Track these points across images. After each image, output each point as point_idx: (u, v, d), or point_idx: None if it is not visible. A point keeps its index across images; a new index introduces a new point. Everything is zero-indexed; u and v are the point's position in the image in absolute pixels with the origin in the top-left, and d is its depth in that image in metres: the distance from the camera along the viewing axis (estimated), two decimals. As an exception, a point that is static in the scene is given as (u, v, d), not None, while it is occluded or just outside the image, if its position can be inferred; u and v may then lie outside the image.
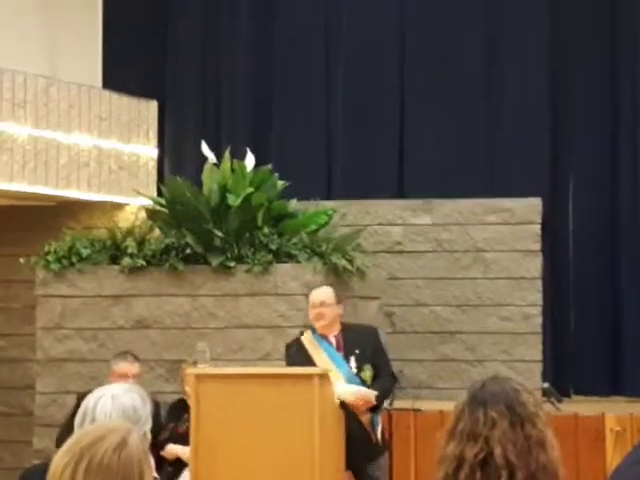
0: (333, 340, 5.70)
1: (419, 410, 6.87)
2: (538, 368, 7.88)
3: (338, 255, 7.27)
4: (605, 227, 8.55)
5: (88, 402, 3.17)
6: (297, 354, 5.66)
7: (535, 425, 2.38)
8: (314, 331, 5.72)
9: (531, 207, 8.14)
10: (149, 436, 3.22)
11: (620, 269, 8.46)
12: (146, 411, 3.22)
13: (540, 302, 8.04)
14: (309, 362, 5.57)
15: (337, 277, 7.22)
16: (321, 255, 7.20)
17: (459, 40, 8.79)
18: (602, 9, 8.72)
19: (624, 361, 8.26)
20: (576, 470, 6.27)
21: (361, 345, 5.68)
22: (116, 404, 3.13)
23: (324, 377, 4.98)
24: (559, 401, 7.32)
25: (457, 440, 2.40)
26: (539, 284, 8.06)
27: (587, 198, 8.57)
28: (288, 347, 5.82)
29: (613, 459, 6.39)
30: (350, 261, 7.34)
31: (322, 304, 5.71)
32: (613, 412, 7.02)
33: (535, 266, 8.07)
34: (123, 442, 2.43)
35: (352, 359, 5.59)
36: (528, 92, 8.65)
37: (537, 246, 8.09)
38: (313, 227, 7.48)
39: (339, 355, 5.59)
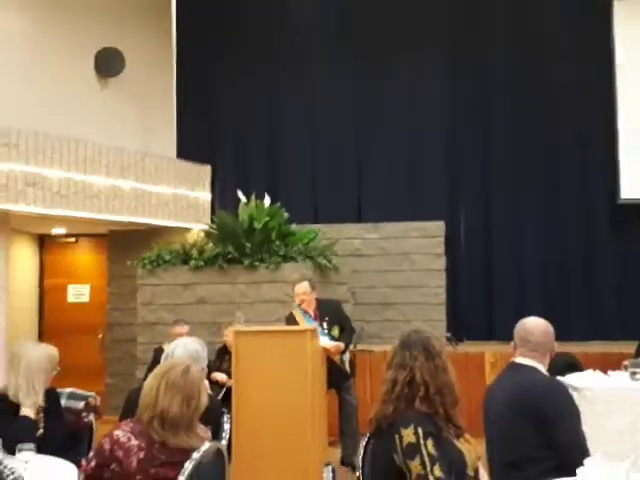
0: (312, 313, 5.73)
1: (372, 351, 7.00)
2: (444, 324, 7.89)
3: (322, 257, 7.26)
4: (482, 239, 8.54)
5: (170, 348, 3.31)
6: (292, 322, 5.67)
7: (440, 358, 2.48)
8: (299, 308, 5.73)
9: (438, 227, 8.14)
10: (206, 369, 3.38)
11: (491, 265, 8.47)
12: (204, 354, 3.36)
13: (444, 285, 8.05)
14: (297, 323, 5.63)
15: (321, 271, 7.23)
16: (311, 258, 7.17)
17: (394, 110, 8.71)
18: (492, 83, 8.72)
19: (496, 320, 8.27)
20: (467, 387, 6.01)
21: (329, 313, 5.75)
22: (187, 349, 3.28)
23: (314, 332, 4.91)
24: (456, 344, 7.48)
25: (393, 369, 2.53)
26: (444, 274, 8.07)
27: (472, 221, 8.55)
28: (286, 317, 5.82)
29: (489, 379, 6.37)
30: (329, 261, 7.33)
31: (303, 294, 5.74)
32: (489, 350, 7.06)
33: (441, 263, 8.09)
34: (187, 369, 2.59)
35: (324, 324, 5.64)
36: (433, 157, 8.61)
37: (442, 250, 8.09)
38: (306, 240, 7.43)
39: (315, 323, 5.61)
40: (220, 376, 6.19)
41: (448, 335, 7.36)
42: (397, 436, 2.36)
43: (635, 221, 8.15)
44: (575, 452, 2.56)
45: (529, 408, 2.72)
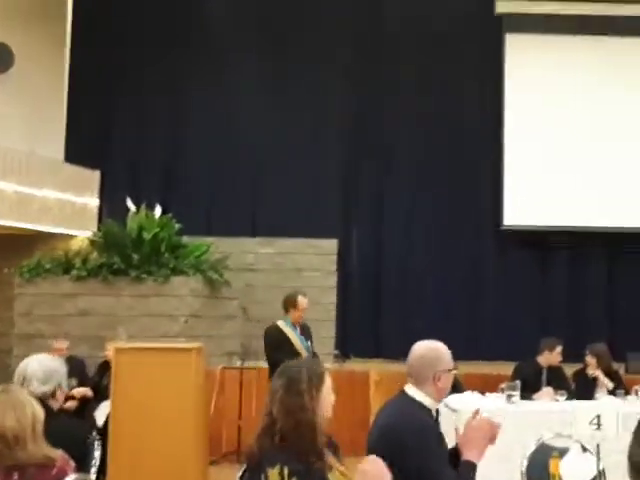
0: (298, 328, 5.63)
1: (261, 368, 6.74)
2: (332, 341, 7.89)
3: (213, 271, 7.14)
4: (373, 257, 8.69)
5: (23, 363, 3.07)
6: (279, 334, 5.52)
7: (301, 396, 2.36)
8: (287, 321, 5.58)
9: (331, 244, 8.20)
10: (64, 388, 3.14)
11: (381, 284, 8.62)
12: (62, 370, 3.09)
13: (335, 301, 8.09)
14: (288, 340, 5.48)
15: (212, 286, 7.09)
16: (202, 271, 7.04)
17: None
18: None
19: (382, 338, 8.41)
20: (352, 404, 6.17)
21: (307, 333, 5.68)
22: (41, 365, 3.00)
23: (199, 351, 4.76)
24: (344, 361, 7.52)
25: (268, 396, 2.43)
26: (335, 291, 8.12)
27: (364, 239, 8.68)
28: (269, 329, 5.58)
29: (374, 398, 6.37)
30: (221, 275, 7.22)
31: (305, 308, 5.64)
32: (375, 368, 7.03)
33: (333, 280, 8.13)
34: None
35: (307, 340, 5.60)
36: (329, 174, 8.68)
37: (334, 268, 8.15)
38: (197, 253, 7.29)
39: (302, 337, 5.57)
40: (77, 392, 5.73)
41: (336, 352, 7.39)
42: (263, 475, 2.30)
43: (516, 246, 8.53)
44: None
45: (387, 447, 2.57)
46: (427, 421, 2.68)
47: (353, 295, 8.51)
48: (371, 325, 8.55)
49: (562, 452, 2.61)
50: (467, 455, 2.68)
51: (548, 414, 5.18)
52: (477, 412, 2.81)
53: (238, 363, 6.49)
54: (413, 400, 2.77)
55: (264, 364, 6.87)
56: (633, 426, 1.59)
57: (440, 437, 2.71)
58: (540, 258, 8.70)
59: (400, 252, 8.66)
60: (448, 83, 8.67)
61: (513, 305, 8.47)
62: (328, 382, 2.53)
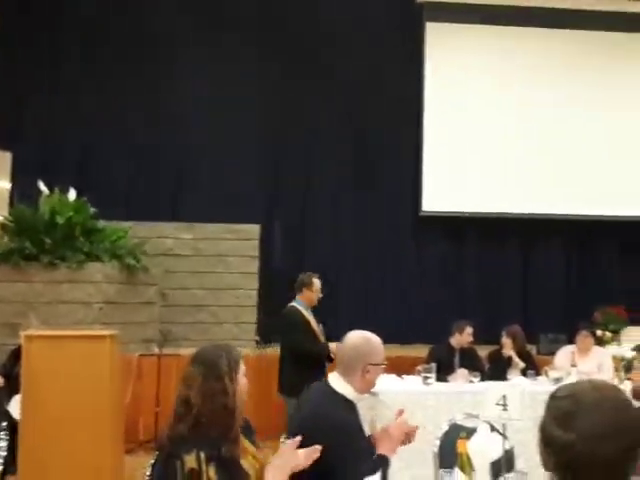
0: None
1: (179, 355, 6.64)
2: (254, 327, 7.88)
3: (130, 257, 6.97)
4: (296, 242, 8.68)
5: None
6: (301, 317, 5.35)
7: (222, 380, 2.37)
8: (300, 303, 5.45)
9: (253, 230, 8.11)
10: None
11: (303, 269, 8.46)
12: None
13: (257, 287, 8.04)
14: (309, 323, 5.36)
15: (129, 271, 6.91)
16: (118, 257, 6.86)
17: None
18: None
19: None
20: (273, 389, 5.92)
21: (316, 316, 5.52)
22: None
23: (113, 338, 4.59)
24: (265, 347, 7.49)
25: (181, 383, 2.43)
26: (256, 277, 8.06)
27: (286, 224, 8.64)
28: (291, 312, 5.40)
29: None
30: (138, 261, 7.04)
31: (319, 290, 5.49)
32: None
33: (255, 265, 8.07)
34: None
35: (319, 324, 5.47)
36: (250, 159, 8.57)
37: (256, 253, 8.08)
38: (114, 238, 7.09)
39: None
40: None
41: (257, 338, 7.37)
42: (179, 462, 2.26)
43: (434, 231, 8.71)
44: None
45: (307, 439, 2.50)
46: (347, 418, 2.67)
47: (275, 281, 8.46)
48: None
49: (470, 432, 2.67)
50: (383, 450, 2.72)
51: (462, 395, 5.34)
52: (401, 412, 2.85)
53: (156, 350, 6.37)
54: (334, 391, 2.76)
55: (184, 351, 6.82)
56: (538, 405, 1.63)
57: (360, 430, 2.72)
58: (458, 243, 8.91)
59: (322, 237, 8.69)
60: (368, 70, 8.72)
61: (431, 289, 8.65)
62: (243, 366, 2.53)
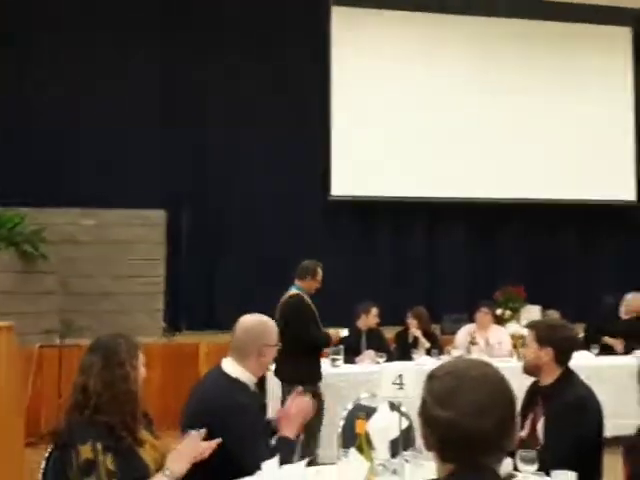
0: None
1: (82, 346, 6.57)
2: (161, 315, 7.75)
3: (28, 245, 6.71)
4: (205, 228, 8.50)
5: None
6: (308, 306, 5.29)
7: (122, 367, 2.36)
8: (302, 290, 5.36)
9: (159, 215, 7.95)
10: None
11: (211, 256, 8.52)
12: None
13: (163, 274, 7.88)
14: (314, 312, 5.34)
15: (27, 259, 6.64)
16: (16, 244, 6.60)
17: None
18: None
19: (214, 310, 8.34)
20: (181, 377, 6.17)
21: None
22: None
23: (9, 329, 4.30)
24: (173, 334, 7.42)
25: (79, 371, 2.40)
26: (163, 263, 7.90)
27: (194, 210, 8.35)
28: (298, 301, 5.28)
29: (203, 370, 6.34)
30: (36, 248, 6.78)
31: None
32: (205, 341, 7.08)
33: (162, 252, 7.91)
34: None
35: None
36: (152, 144, 8.35)
37: (163, 239, 7.93)
38: (9, 225, 6.77)
39: None
40: None
41: (164, 326, 7.26)
42: (73, 452, 2.22)
43: (343, 215, 8.80)
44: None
45: (204, 426, 2.53)
46: (242, 402, 2.66)
47: (183, 267, 8.34)
48: (202, 297, 8.44)
49: (371, 412, 2.73)
50: (284, 431, 2.76)
51: (368, 376, 5.45)
52: (300, 391, 2.90)
53: (57, 341, 6.17)
54: (229, 377, 2.75)
55: (87, 341, 6.60)
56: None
57: (256, 413, 2.72)
58: (366, 227, 9.03)
59: (231, 222, 8.58)
60: (273, 54, 8.67)
61: (341, 272, 8.72)
62: (142, 355, 2.51)
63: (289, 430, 2.75)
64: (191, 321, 8.15)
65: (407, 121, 8.81)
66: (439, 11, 9.06)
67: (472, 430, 1.42)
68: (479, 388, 1.44)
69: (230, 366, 2.79)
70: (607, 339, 6.59)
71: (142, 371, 2.49)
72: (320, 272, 5.48)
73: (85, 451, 2.22)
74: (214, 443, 2.45)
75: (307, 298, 5.37)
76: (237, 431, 2.51)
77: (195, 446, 2.41)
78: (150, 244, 7.87)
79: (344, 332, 5.83)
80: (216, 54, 8.60)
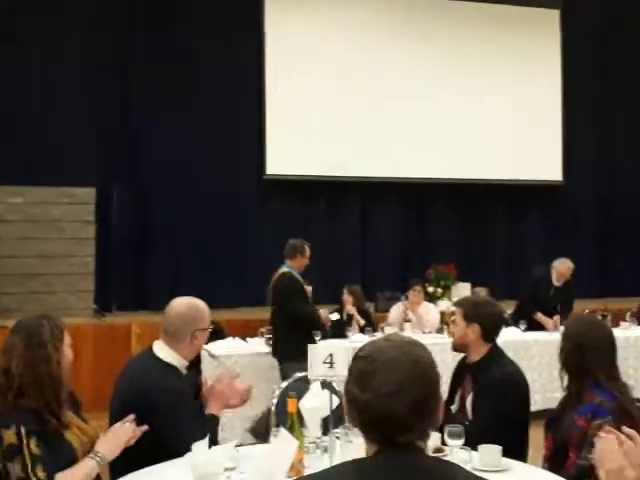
0: None
1: (8, 327, 6.45)
2: (92, 295, 7.51)
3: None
4: (136, 206, 8.32)
5: None
6: (297, 283, 5.48)
7: (45, 348, 2.30)
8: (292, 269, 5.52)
9: (89, 193, 7.65)
10: None
11: (143, 235, 8.33)
12: None
13: (93, 254, 7.63)
14: (304, 290, 5.53)
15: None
16: (-64, 223, 6.38)
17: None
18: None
19: (146, 290, 8.19)
20: (112, 359, 5.73)
21: None
22: None
23: None
24: (104, 315, 7.28)
25: (1, 354, 2.35)
26: (93, 243, 7.65)
27: (125, 188, 8.20)
28: (286, 278, 5.46)
29: (135, 351, 6.12)
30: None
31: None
32: (137, 321, 6.95)
33: (91, 231, 7.65)
34: None
35: None
36: (80, 121, 8.12)
37: (92, 218, 7.66)
38: None
39: None
40: None
41: (95, 307, 7.11)
42: (-3, 436, 2.17)
43: (278, 195, 8.77)
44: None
45: (133, 411, 2.51)
46: (172, 385, 2.64)
47: (114, 247, 8.16)
48: (133, 278, 8.28)
49: (303, 391, 2.74)
50: (211, 408, 2.76)
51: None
52: (236, 375, 2.93)
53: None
54: (159, 360, 2.73)
55: (13, 323, 6.44)
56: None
57: (186, 396, 2.69)
58: (301, 206, 9.02)
59: (163, 201, 8.40)
60: (208, 31, 8.49)
61: (276, 252, 8.70)
62: (68, 337, 2.46)
63: (214, 407, 2.77)
64: (122, 301, 8.02)
65: (343, 101, 8.80)
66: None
67: (386, 412, 1.44)
68: (395, 370, 1.45)
69: (161, 349, 2.76)
70: (540, 316, 6.77)
71: (68, 353, 2.44)
72: (308, 249, 5.64)
73: (9, 436, 2.18)
74: (145, 428, 2.44)
75: (298, 276, 5.50)
76: (167, 415, 2.50)
77: (126, 430, 2.38)
78: (80, 223, 7.63)
79: (334, 316, 5.96)
80: (149, 40, 8.39)
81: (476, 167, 9.25)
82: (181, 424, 2.52)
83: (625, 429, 1.85)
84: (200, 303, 2.85)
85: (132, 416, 2.45)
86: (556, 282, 6.90)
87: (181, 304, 2.81)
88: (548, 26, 9.68)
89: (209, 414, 2.77)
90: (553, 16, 9.72)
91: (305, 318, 5.39)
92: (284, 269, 5.49)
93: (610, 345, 2.66)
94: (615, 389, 2.54)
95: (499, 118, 9.34)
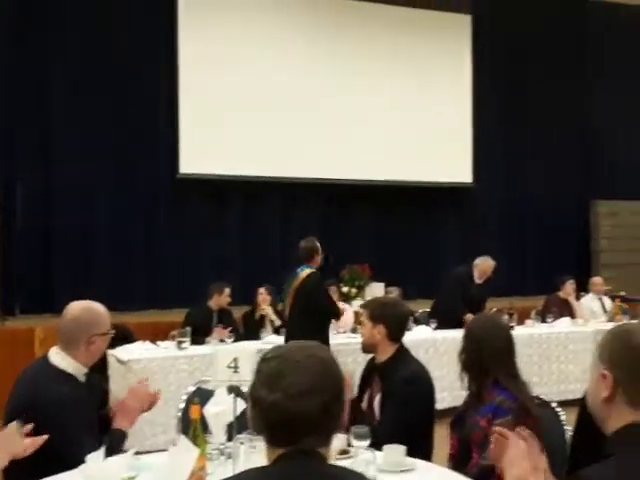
0: None
1: None
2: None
3: None
4: (42, 208, 7.95)
5: None
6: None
7: None
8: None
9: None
10: None
11: (49, 237, 8.00)
12: None
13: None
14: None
15: None
16: None
17: None
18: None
19: (52, 293, 7.84)
20: (15, 364, 5.82)
21: None
22: None
23: None
24: (6, 319, 6.97)
25: None
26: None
27: (30, 190, 7.87)
28: (318, 277, 5.71)
29: (39, 355, 6.05)
30: None
31: None
32: (41, 326, 6.67)
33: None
34: None
35: None
36: None
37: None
38: None
39: None
40: None
41: (-5, 310, 6.79)
42: None
43: (192, 194, 8.62)
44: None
45: (27, 420, 2.38)
46: (65, 393, 2.52)
47: (18, 247, 7.80)
48: (38, 280, 7.93)
49: (209, 395, 2.69)
50: (118, 423, 2.66)
51: (212, 357, 5.39)
52: (144, 379, 2.81)
53: None
54: (55, 368, 2.61)
55: None
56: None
57: (81, 405, 2.56)
58: (217, 206, 8.88)
59: (70, 201, 8.07)
60: (119, 33, 8.27)
61: (191, 253, 8.58)
62: None
63: (124, 422, 2.67)
64: (26, 304, 7.69)
65: (258, 100, 8.71)
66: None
67: (296, 412, 1.44)
68: (304, 371, 1.46)
69: (57, 356, 2.64)
70: (469, 317, 6.88)
71: None
72: (320, 247, 5.88)
73: None
74: (40, 440, 2.32)
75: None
76: (60, 426, 2.39)
77: (14, 441, 2.26)
78: (-20, 222, 7.29)
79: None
80: (57, 46, 8.09)
81: (390, 169, 9.37)
82: (73, 436, 2.41)
83: (519, 430, 1.88)
84: (97, 306, 2.73)
85: (30, 426, 2.33)
86: (478, 280, 7.08)
87: (75, 308, 2.69)
88: (459, 30, 9.90)
89: (114, 428, 2.65)
90: (464, 21, 9.95)
91: (334, 312, 5.80)
92: (307, 270, 5.70)
93: (508, 344, 2.72)
94: (514, 388, 2.59)
95: (412, 121, 9.48)
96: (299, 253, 5.79)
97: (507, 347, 2.70)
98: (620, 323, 2.93)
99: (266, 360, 1.52)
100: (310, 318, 5.52)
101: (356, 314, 6.74)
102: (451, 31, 9.84)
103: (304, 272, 5.69)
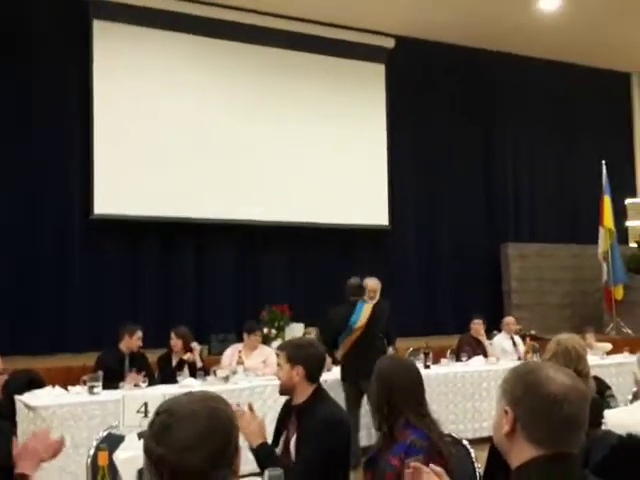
0: None
1: None
2: None
3: None
4: None
5: None
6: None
7: None
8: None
9: None
10: None
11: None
12: None
13: None
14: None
15: None
16: None
17: None
18: None
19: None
20: None
21: None
22: None
23: None
24: None
25: None
26: None
27: None
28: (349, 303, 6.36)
29: None
30: None
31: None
32: None
33: None
34: None
35: None
36: None
37: None
38: None
39: None
40: None
41: None
42: None
43: (106, 234, 8.45)
44: None
45: None
46: None
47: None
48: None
49: (119, 440, 2.61)
50: (21, 467, 2.53)
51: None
52: (44, 430, 2.71)
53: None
54: None
55: None
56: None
57: None
58: (131, 247, 8.73)
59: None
60: (31, 68, 8.16)
61: (104, 294, 8.37)
62: None
63: (26, 466, 2.53)
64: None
65: (173, 144, 8.69)
66: (210, 35, 9.09)
67: (179, 466, 1.44)
68: (191, 424, 1.46)
69: None
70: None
71: None
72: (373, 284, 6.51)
73: None
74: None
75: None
76: None
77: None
78: None
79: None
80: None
81: (310, 211, 9.48)
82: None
83: (432, 466, 1.91)
84: None
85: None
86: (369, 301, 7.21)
87: None
88: (374, 79, 10.23)
89: (19, 473, 2.53)
90: (379, 70, 10.28)
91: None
92: (371, 302, 6.38)
93: (417, 384, 2.76)
94: (425, 427, 2.63)
95: (330, 165, 9.67)
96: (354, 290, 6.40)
97: (417, 387, 2.75)
98: (524, 362, 3.03)
99: (158, 413, 1.52)
100: (380, 343, 6.24)
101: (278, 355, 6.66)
102: (367, 79, 10.16)
103: (372, 302, 6.40)
